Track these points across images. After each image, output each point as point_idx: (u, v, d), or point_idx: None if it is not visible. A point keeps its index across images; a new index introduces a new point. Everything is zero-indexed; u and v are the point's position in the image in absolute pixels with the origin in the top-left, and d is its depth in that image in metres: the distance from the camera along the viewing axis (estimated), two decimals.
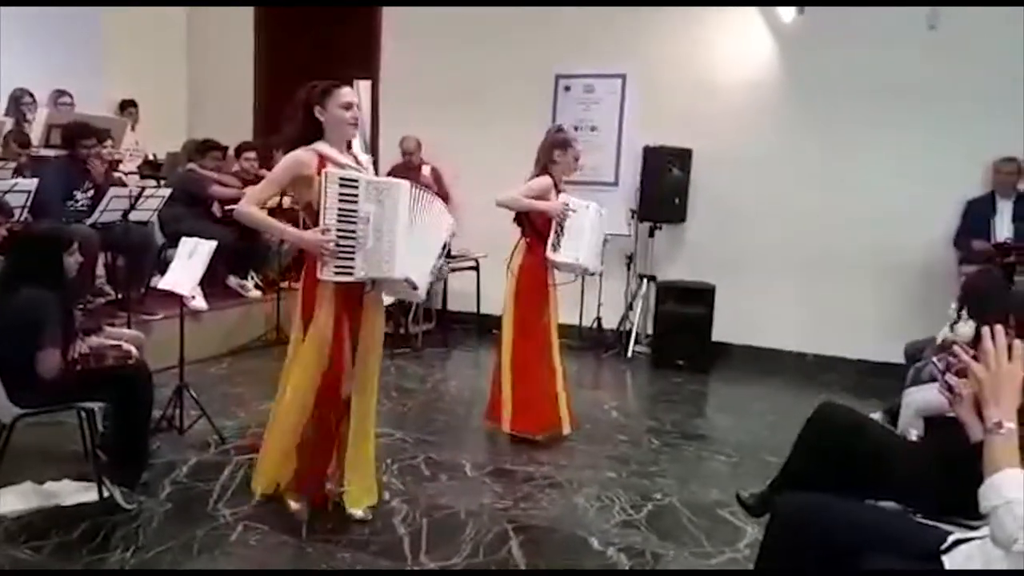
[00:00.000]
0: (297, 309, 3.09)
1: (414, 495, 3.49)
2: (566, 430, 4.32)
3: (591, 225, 4.22)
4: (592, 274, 4.65)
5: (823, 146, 6.08)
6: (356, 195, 2.86)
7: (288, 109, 3.04)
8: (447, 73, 7.02)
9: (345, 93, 2.99)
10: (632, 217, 6.54)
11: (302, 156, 2.95)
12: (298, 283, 3.23)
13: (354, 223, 2.86)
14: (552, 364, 4.28)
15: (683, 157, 6.35)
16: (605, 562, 3.02)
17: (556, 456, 4.08)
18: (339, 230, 2.85)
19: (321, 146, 2.97)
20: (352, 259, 2.88)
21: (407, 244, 2.91)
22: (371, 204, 2.87)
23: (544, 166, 4.22)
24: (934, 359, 2.84)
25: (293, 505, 3.16)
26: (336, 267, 2.88)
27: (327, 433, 3.14)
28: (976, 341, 1.68)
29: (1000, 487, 1.56)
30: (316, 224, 2.90)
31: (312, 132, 2.99)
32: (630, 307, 6.62)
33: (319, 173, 2.89)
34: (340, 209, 2.85)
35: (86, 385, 3.22)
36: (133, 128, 6.96)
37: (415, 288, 3.01)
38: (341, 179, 2.86)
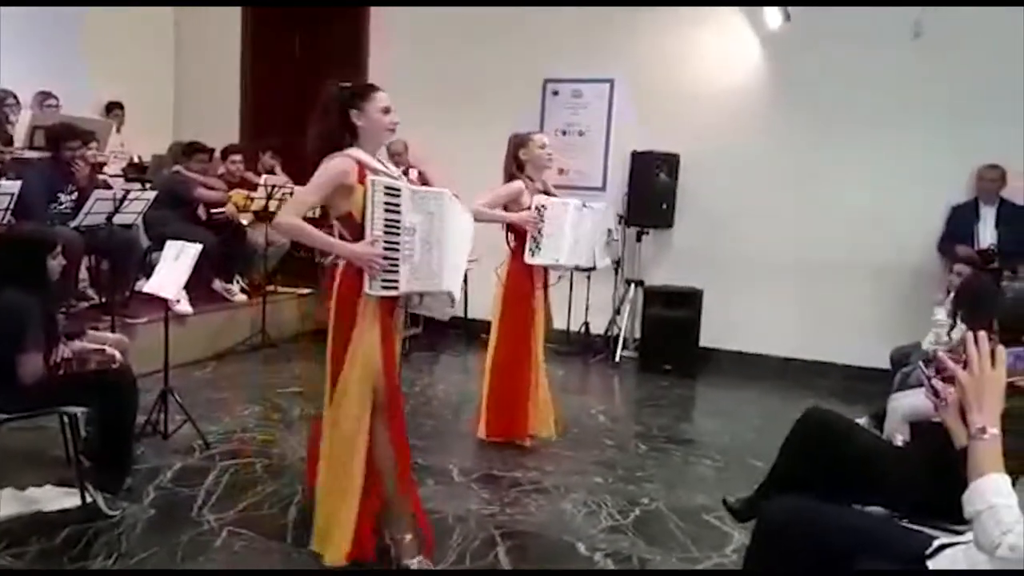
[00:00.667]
0: (331, 326, 2.85)
1: None
2: (549, 434, 4.32)
3: (572, 222, 4.15)
4: (587, 269, 4.60)
5: (809, 152, 6.12)
6: (399, 205, 2.74)
7: (316, 111, 2.87)
8: (435, 76, 7.02)
9: (383, 96, 2.86)
10: (620, 222, 6.54)
11: (344, 164, 2.75)
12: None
13: (398, 234, 2.73)
14: (531, 371, 4.24)
15: (671, 162, 6.37)
16: (592, 567, 3.01)
17: (543, 461, 4.08)
18: (384, 242, 2.71)
19: (357, 152, 2.80)
20: (397, 272, 2.76)
21: (452, 256, 2.86)
22: (417, 214, 2.77)
23: (512, 173, 4.21)
24: (921, 364, 2.86)
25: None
26: (383, 281, 2.75)
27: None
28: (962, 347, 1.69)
29: (984, 492, 1.57)
30: (356, 236, 2.75)
31: (345, 136, 2.82)
32: (618, 312, 6.63)
33: (360, 182, 2.75)
34: (386, 219, 2.72)
35: (69, 390, 3.18)
36: (119, 130, 6.91)
37: (452, 304, 2.94)
38: (387, 188, 2.73)
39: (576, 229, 4.19)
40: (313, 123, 2.88)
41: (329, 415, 2.88)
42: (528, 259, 4.13)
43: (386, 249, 2.71)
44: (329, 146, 2.81)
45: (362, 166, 2.79)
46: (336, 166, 2.77)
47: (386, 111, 2.85)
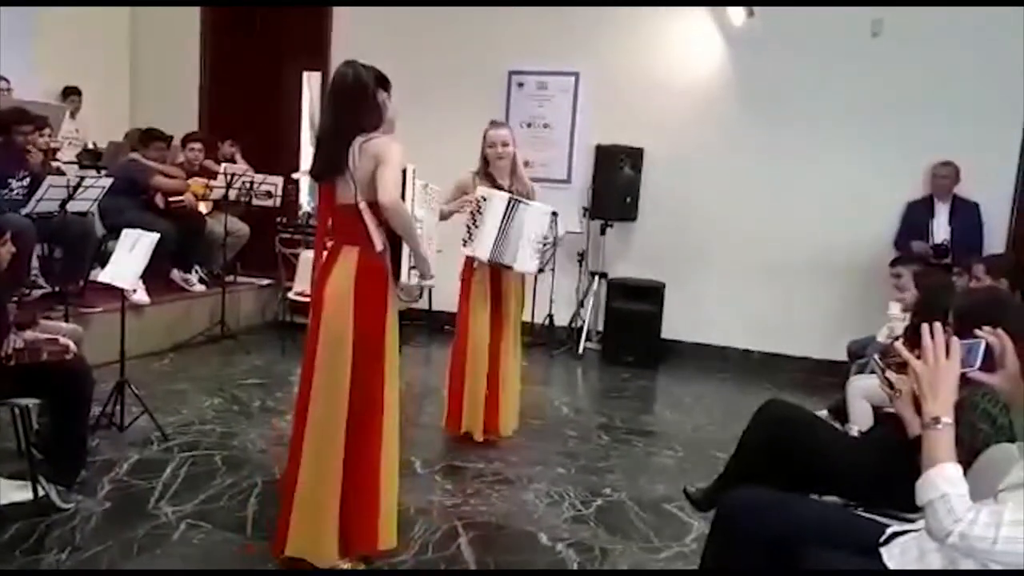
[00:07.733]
0: (362, 323, 2.72)
1: None
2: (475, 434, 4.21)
3: (495, 217, 3.99)
4: (505, 267, 4.12)
5: (771, 147, 6.19)
6: (413, 198, 2.79)
7: (348, 88, 2.81)
8: (399, 67, 6.78)
9: None
10: (584, 215, 6.57)
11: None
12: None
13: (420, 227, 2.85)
14: (471, 364, 4.12)
15: (635, 156, 6.40)
16: (554, 558, 3.03)
17: (506, 453, 4.08)
18: None
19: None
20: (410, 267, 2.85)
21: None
22: (423, 209, 2.87)
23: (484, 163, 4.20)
24: (875, 356, 2.92)
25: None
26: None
27: None
28: (916, 339, 1.72)
29: (937, 481, 1.60)
30: (383, 221, 2.73)
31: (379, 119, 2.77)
32: (581, 304, 6.66)
33: None
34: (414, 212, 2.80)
35: (20, 381, 3.09)
36: (74, 116, 6.74)
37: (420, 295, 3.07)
38: (424, 184, 2.83)
39: (509, 227, 4.02)
40: (352, 102, 2.76)
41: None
42: (463, 248, 4.13)
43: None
44: (367, 125, 2.73)
45: None
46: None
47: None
